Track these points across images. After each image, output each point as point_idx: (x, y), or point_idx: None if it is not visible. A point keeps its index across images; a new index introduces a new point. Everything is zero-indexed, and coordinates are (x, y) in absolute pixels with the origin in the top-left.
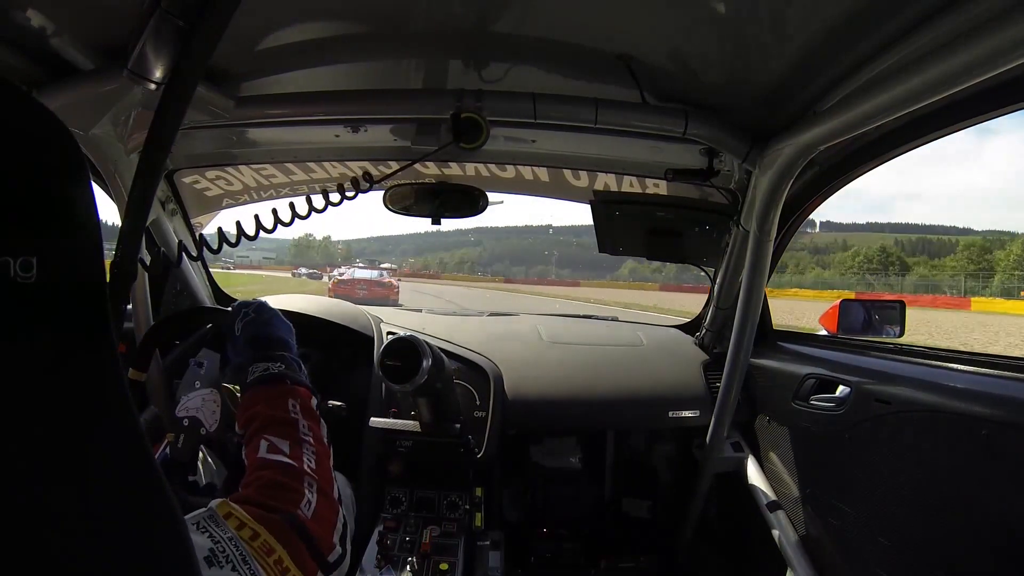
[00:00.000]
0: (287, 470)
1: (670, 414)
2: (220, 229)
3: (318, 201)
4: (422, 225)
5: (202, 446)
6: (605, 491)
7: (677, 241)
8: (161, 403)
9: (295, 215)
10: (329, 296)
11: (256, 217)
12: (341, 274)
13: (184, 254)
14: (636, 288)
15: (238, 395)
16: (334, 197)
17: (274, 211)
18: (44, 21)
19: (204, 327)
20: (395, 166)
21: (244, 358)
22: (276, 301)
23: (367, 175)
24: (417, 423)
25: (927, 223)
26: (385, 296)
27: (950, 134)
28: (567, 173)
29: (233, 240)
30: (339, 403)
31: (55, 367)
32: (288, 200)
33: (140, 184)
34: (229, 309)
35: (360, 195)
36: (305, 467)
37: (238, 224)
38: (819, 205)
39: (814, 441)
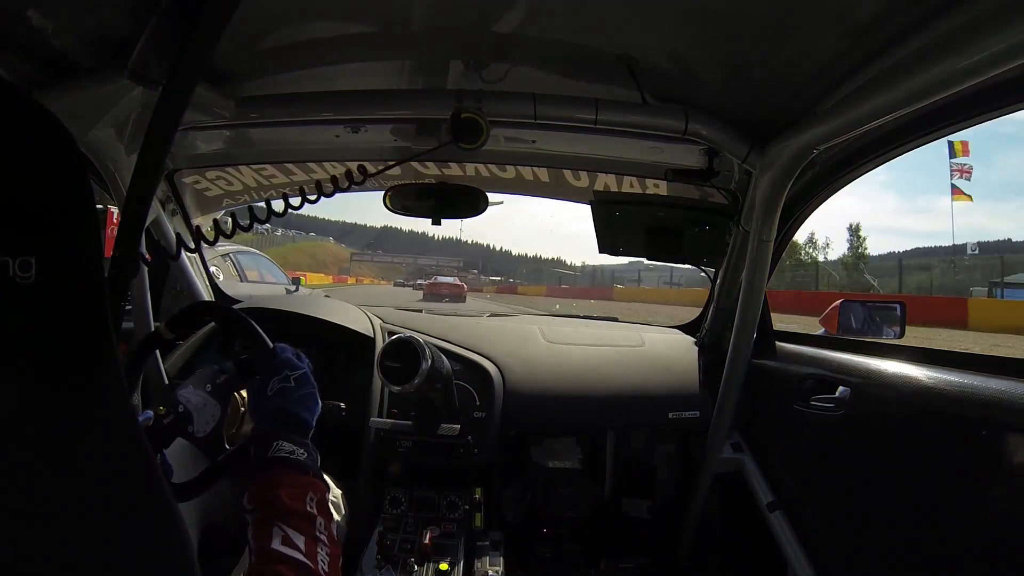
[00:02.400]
0: (304, 571)
1: (670, 414)
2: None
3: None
4: None
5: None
6: (605, 491)
7: (677, 241)
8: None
9: (288, 206)
10: (424, 294)
11: (250, 209)
12: (431, 279)
13: (183, 249)
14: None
15: (242, 408)
16: (327, 189)
17: (267, 202)
18: (44, 21)
19: (231, 339)
20: (396, 167)
21: (266, 425)
22: (276, 301)
23: (361, 167)
24: (417, 424)
25: None
26: (458, 293)
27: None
28: (567, 173)
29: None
30: (339, 403)
31: (54, 367)
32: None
33: (139, 184)
34: (272, 347)
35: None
36: (320, 568)
37: (233, 215)
38: (819, 206)
39: (814, 441)
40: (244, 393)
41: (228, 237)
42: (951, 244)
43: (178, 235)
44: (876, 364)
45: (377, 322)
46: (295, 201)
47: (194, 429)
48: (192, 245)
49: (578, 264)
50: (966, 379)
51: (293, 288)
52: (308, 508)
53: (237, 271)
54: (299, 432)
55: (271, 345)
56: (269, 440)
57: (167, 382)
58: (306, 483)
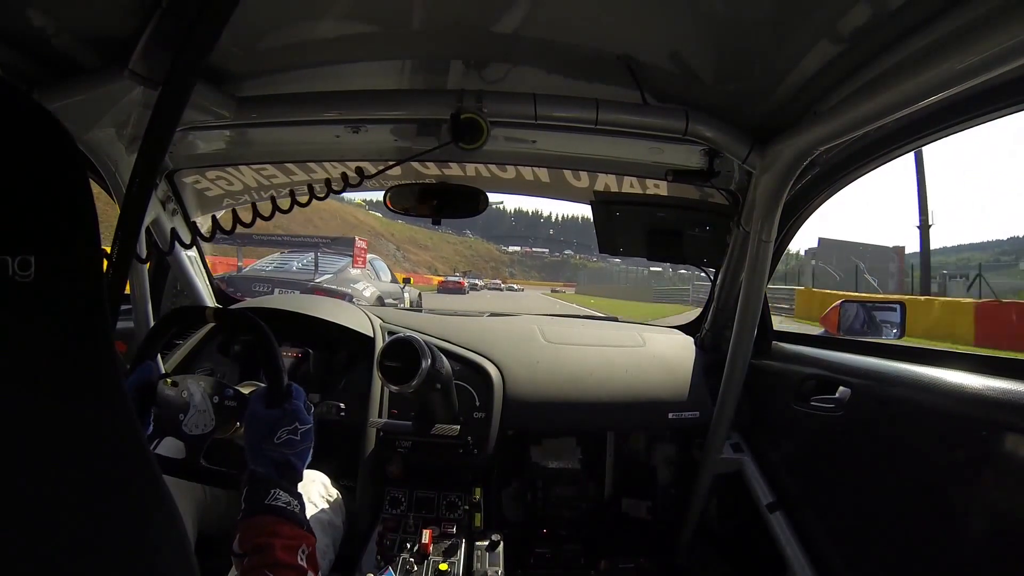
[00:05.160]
0: None
1: (670, 415)
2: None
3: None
4: None
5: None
6: (605, 492)
7: (677, 242)
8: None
9: (276, 208)
10: (438, 289)
11: (234, 211)
12: (446, 278)
13: (181, 247)
14: None
15: (238, 424)
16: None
17: (253, 205)
18: (44, 21)
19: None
20: (396, 167)
21: (265, 469)
22: (276, 301)
23: (359, 169)
24: (416, 424)
25: None
26: (459, 288)
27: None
28: (567, 174)
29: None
30: (338, 403)
31: (53, 365)
32: (273, 197)
33: (137, 183)
34: (288, 385)
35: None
36: None
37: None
38: (820, 206)
39: (814, 442)
40: (237, 389)
41: (228, 234)
42: None
43: (173, 230)
44: (876, 364)
45: (377, 322)
46: (284, 206)
47: (185, 421)
48: (189, 244)
49: None
50: (966, 379)
51: (402, 286)
52: (299, 561)
53: (375, 273)
54: (294, 483)
55: (286, 382)
56: (267, 486)
57: (163, 372)
58: (300, 536)
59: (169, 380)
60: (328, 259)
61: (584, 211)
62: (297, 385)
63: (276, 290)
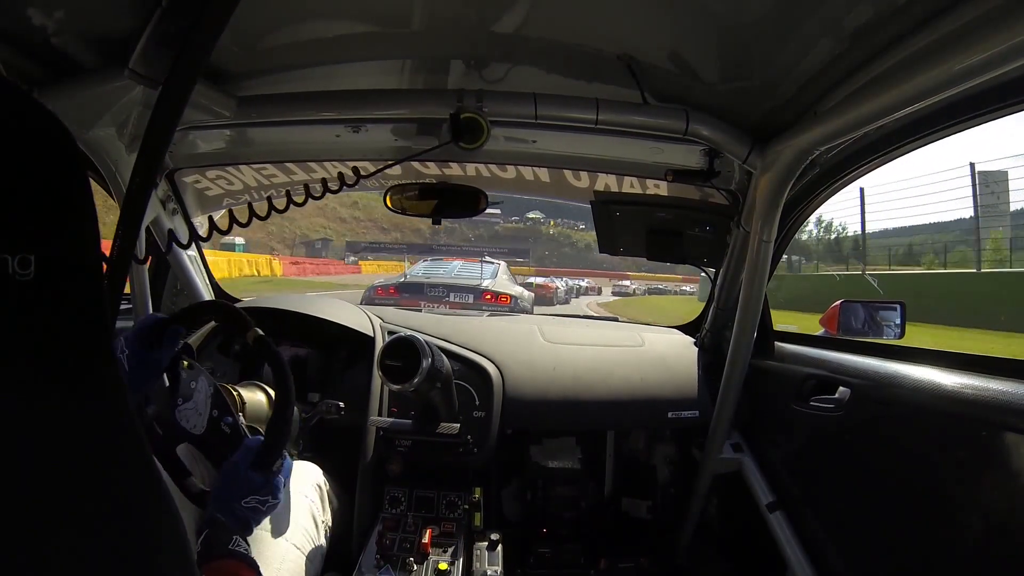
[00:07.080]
0: None
1: (670, 414)
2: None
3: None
4: None
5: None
6: (605, 491)
7: (677, 242)
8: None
9: (272, 208)
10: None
11: (230, 211)
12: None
13: (180, 247)
14: None
15: (234, 391)
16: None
17: (250, 205)
18: (45, 20)
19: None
20: (396, 167)
21: (229, 520)
22: (277, 301)
23: (355, 169)
24: (416, 423)
25: None
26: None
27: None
28: (568, 173)
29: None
30: (337, 403)
31: (52, 364)
32: (272, 196)
33: (138, 182)
34: (283, 457)
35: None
36: None
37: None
38: (820, 206)
39: (814, 442)
40: (237, 389)
41: (223, 233)
42: None
43: (171, 231)
44: (876, 364)
45: (377, 321)
46: (280, 205)
47: (180, 407)
48: (185, 243)
49: None
50: (966, 379)
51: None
52: None
53: (511, 277)
54: (247, 534)
55: (284, 453)
56: (231, 533)
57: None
58: None
59: (187, 363)
60: (465, 265)
61: None
62: (289, 459)
63: (451, 294)
